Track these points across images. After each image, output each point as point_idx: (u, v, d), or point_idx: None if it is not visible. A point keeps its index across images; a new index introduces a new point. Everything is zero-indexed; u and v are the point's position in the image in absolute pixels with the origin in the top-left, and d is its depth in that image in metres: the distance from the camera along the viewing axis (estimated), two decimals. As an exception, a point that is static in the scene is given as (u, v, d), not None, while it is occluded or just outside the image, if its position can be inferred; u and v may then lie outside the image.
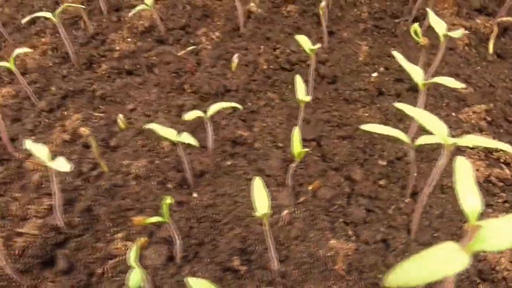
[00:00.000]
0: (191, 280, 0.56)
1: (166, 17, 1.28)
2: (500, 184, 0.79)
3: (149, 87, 1.09)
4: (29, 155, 0.97)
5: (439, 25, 0.80)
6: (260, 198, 0.64)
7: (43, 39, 1.27)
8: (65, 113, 1.06)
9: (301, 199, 0.83)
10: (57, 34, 1.27)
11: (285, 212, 0.80)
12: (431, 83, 0.70)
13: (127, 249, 0.79)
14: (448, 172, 0.80)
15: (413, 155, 0.73)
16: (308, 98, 0.81)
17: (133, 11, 1.12)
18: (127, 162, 0.93)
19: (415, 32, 0.86)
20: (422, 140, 0.67)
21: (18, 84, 1.12)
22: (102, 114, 1.06)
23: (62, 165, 0.69)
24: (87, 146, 0.99)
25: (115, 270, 0.77)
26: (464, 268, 0.36)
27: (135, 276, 0.53)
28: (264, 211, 0.63)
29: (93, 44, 1.22)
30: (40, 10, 1.35)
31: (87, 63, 1.18)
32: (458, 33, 0.78)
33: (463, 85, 0.67)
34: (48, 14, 1.07)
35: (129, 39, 1.21)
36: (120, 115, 1.01)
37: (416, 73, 0.71)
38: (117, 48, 1.18)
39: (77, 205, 0.88)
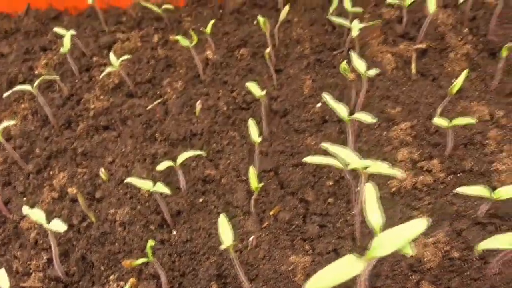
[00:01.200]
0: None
1: (134, 72, 1.42)
2: (425, 189, 0.94)
3: (124, 139, 1.23)
4: (23, 216, 1.10)
5: (360, 65, 0.97)
6: (225, 232, 0.79)
7: (22, 105, 1.40)
8: (51, 172, 1.19)
9: (265, 224, 0.97)
10: (36, 99, 1.40)
11: (252, 237, 0.94)
12: (353, 118, 0.85)
13: None
14: (382, 184, 0.96)
15: (349, 176, 0.88)
16: (259, 139, 0.96)
17: (103, 73, 1.27)
18: (113, 211, 1.06)
19: (344, 69, 1.02)
20: (352, 166, 0.83)
21: (4, 150, 1.24)
22: (85, 170, 1.19)
23: (58, 226, 0.83)
24: (75, 200, 1.12)
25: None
26: (359, 272, 0.51)
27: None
28: (229, 243, 0.77)
29: (69, 105, 1.35)
30: (16, 77, 1.48)
31: (65, 123, 1.31)
32: (373, 71, 0.94)
33: (374, 120, 0.83)
34: (28, 87, 1.21)
35: (101, 97, 1.35)
36: (102, 169, 1.14)
37: (341, 110, 0.87)
38: (92, 106, 1.32)
39: (72, 256, 1.00)
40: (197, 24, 1.55)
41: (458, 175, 0.95)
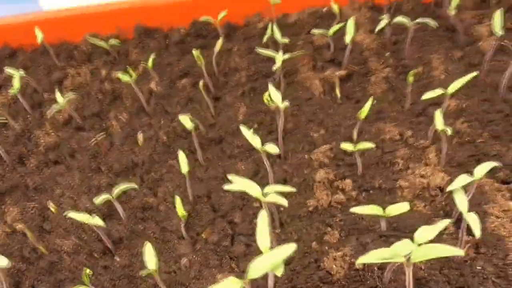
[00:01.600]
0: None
1: (82, 106, 1.50)
2: (339, 206, 1.04)
3: (73, 172, 1.30)
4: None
5: (276, 98, 1.06)
6: (149, 258, 0.87)
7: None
8: (5, 209, 1.26)
9: (197, 246, 1.06)
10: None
11: (185, 260, 1.03)
12: (265, 149, 0.95)
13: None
14: (301, 205, 1.05)
15: (264, 206, 0.97)
16: (187, 170, 1.05)
17: (50, 111, 1.35)
18: (60, 242, 1.14)
19: (266, 100, 1.12)
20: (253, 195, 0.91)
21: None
22: (35, 204, 1.26)
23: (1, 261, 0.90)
24: (26, 234, 1.19)
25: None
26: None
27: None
28: (152, 267, 0.85)
29: (21, 142, 1.42)
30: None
31: (18, 160, 1.38)
32: (285, 104, 1.04)
33: (277, 151, 0.92)
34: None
35: (52, 132, 1.43)
36: (50, 202, 1.22)
37: (255, 142, 0.97)
38: (42, 142, 1.40)
39: (22, 286, 1.08)
40: (144, 55, 1.64)
41: (369, 192, 1.05)
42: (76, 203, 1.22)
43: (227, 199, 1.12)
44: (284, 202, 0.78)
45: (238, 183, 0.84)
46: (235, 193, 1.13)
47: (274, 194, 0.80)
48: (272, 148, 0.93)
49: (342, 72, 1.31)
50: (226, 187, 0.91)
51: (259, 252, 1.02)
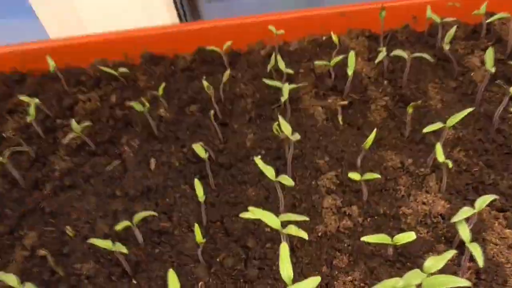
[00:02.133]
0: None
1: (94, 131, 1.56)
2: (346, 232, 1.11)
3: (88, 197, 1.36)
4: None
5: (286, 128, 1.14)
6: (173, 285, 0.93)
7: (-9, 169, 1.51)
8: (22, 233, 1.31)
9: (213, 270, 1.12)
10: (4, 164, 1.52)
11: (201, 283, 1.09)
12: (278, 179, 1.02)
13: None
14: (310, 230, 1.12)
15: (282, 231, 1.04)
16: (203, 198, 1.12)
17: (66, 139, 1.40)
18: (79, 265, 1.19)
19: (276, 130, 1.19)
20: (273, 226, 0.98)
21: (-24, 212, 1.36)
22: (53, 228, 1.31)
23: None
24: (44, 257, 1.24)
25: None
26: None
27: None
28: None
29: (36, 167, 1.48)
30: (-15, 140, 1.60)
31: (33, 185, 1.44)
32: (296, 136, 1.11)
33: (292, 184, 0.99)
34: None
35: (66, 158, 1.48)
36: (68, 227, 1.27)
37: (269, 172, 1.04)
38: (57, 167, 1.45)
39: (43, 311, 1.13)
40: (151, 82, 1.70)
41: (375, 218, 1.13)
42: (93, 228, 1.28)
43: (239, 225, 1.19)
44: (304, 235, 0.85)
45: (257, 213, 0.91)
46: (248, 219, 1.20)
47: (293, 227, 0.87)
48: (287, 180, 1.00)
49: (344, 102, 1.39)
50: (244, 215, 0.98)
51: (272, 276, 1.09)
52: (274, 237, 1.15)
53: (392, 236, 0.95)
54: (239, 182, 1.30)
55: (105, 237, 1.23)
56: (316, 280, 0.69)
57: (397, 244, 0.94)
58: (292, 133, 1.12)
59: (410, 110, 1.22)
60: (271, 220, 0.88)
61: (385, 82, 1.49)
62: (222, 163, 1.36)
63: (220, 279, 1.09)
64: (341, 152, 1.31)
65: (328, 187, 1.20)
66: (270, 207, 1.19)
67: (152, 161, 1.38)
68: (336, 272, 1.03)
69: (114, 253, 1.20)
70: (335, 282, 1.00)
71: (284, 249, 0.80)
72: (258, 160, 1.06)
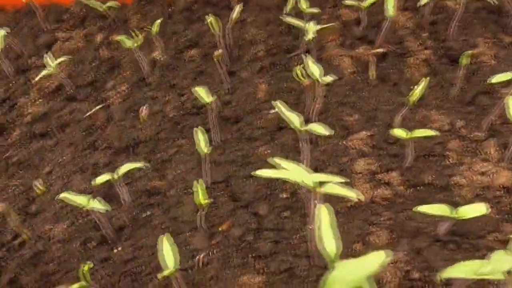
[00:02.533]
0: None
1: (75, 74, 1.31)
2: (384, 203, 0.89)
3: (63, 148, 1.12)
4: None
5: (315, 71, 0.91)
6: (169, 254, 0.71)
7: (-51, 110, 1.26)
8: (-20, 185, 1.08)
9: (215, 241, 0.90)
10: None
11: (201, 255, 0.86)
12: (307, 129, 0.79)
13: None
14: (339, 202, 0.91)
15: (304, 191, 0.82)
16: (207, 150, 0.89)
17: (39, 76, 1.15)
18: (48, 227, 0.97)
19: (297, 75, 0.96)
20: (305, 184, 0.76)
21: None
22: (19, 181, 1.08)
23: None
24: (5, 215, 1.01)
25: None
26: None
27: None
28: (172, 266, 0.69)
29: (2, 111, 1.23)
30: None
31: (-3, 130, 1.19)
32: (328, 78, 0.89)
33: (332, 132, 0.77)
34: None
35: (39, 101, 1.24)
36: (35, 182, 1.03)
37: (295, 120, 0.81)
38: (28, 111, 1.21)
39: (1, 278, 0.90)
40: (145, 22, 1.45)
41: (418, 188, 0.91)
42: (68, 184, 1.04)
43: (249, 188, 0.96)
44: (352, 194, 0.63)
45: (284, 164, 0.67)
46: (259, 181, 0.97)
47: (333, 185, 0.65)
48: (320, 128, 0.77)
49: (379, 50, 1.16)
50: (262, 173, 0.75)
51: (290, 252, 0.87)
52: (292, 205, 0.93)
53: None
54: (249, 138, 1.07)
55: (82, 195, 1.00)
56: (382, 255, 0.47)
57: (460, 219, 0.73)
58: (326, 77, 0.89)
59: (464, 60, 1.00)
60: (302, 175, 0.65)
61: (425, 34, 1.26)
62: (228, 116, 1.13)
63: (223, 252, 0.87)
64: (373, 110, 1.09)
65: (360, 149, 0.98)
66: (287, 169, 0.97)
67: (143, 110, 1.14)
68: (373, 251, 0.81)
69: (93, 215, 0.97)
70: (372, 263, 0.79)
71: (324, 213, 0.58)
72: (278, 104, 0.83)
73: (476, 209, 0.71)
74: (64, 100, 1.25)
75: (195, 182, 0.83)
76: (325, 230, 0.56)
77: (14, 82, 1.31)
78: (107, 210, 0.88)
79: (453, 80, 1.11)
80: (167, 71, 1.28)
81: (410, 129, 0.93)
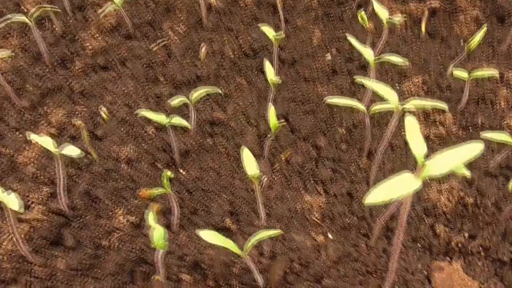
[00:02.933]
0: (202, 233, 0.67)
1: (131, 14, 1.35)
2: (437, 140, 0.96)
3: (125, 80, 1.18)
4: (19, 149, 1.05)
5: (382, 12, 0.96)
6: (250, 163, 0.77)
7: (11, 42, 1.31)
8: (47, 110, 1.13)
9: (277, 167, 0.96)
10: (24, 35, 1.31)
11: (265, 178, 0.93)
12: (380, 60, 0.85)
13: (129, 222, 0.90)
14: (396, 134, 0.97)
15: (368, 121, 0.88)
16: (277, 79, 0.94)
17: (104, 10, 1.20)
18: (116, 149, 1.03)
19: (362, 18, 1.01)
20: (376, 107, 0.83)
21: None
22: (83, 108, 1.14)
23: (71, 150, 0.79)
24: (74, 138, 1.07)
25: (119, 241, 0.88)
26: (416, 188, 0.51)
27: (158, 232, 0.64)
28: (254, 172, 0.75)
29: (63, 43, 1.28)
30: (2, 12, 1.38)
31: (60, 61, 1.24)
32: (398, 19, 0.94)
33: (405, 61, 0.82)
34: (23, 18, 1.13)
35: (98, 37, 1.28)
36: (102, 107, 1.09)
37: (368, 53, 0.86)
38: (88, 45, 1.26)
39: (75, 191, 0.96)
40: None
41: (470, 129, 0.97)
42: (132, 111, 1.10)
43: (308, 122, 1.03)
44: (441, 105, 0.68)
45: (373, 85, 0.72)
46: (318, 116, 1.04)
47: (418, 99, 0.70)
48: (395, 58, 0.82)
49: (434, 4, 1.21)
50: (331, 99, 0.81)
51: (348, 178, 0.94)
52: (349, 139, 1.00)
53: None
54: (306, 79, 1.13)
55: (146, 122, 1.06)
56: (476, 146, 0.52)
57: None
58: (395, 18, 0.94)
59: (518, 16, 1.05)
60: (389, 94, 0.71)
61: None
62: (285, 58, 1.18)
63: (286, 176, 0.94)
64: (424, 62, 1.14)
65: (414, 93, 1.04)
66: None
67: (203, 49, 1.19)
68: (428, 180, 0.88)
69: (159, 139, 1.03)
70: (427, 190, 0.86)
71: (412, 122, 0.64)
72: (350, 38, 0.88)
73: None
74: (123, 37, 1.30)
75: (270, 106, 0.89)
76: (415, 136, 0.62)
77: (72, 18, 1.35)
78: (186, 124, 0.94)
79: (501, 37, 1.17)
80: (223, 15, 1.32)
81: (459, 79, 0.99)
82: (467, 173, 0.55)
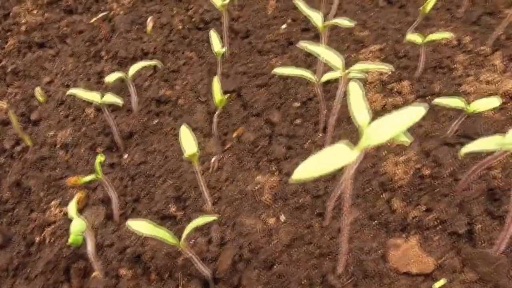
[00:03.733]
0: (132, 223, 0.61)
1: (71, -14, 1.25)
2: (394, 110, 0.91)
3: (64, 58, 1.09)
4: None
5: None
6: (188, 142, 0.71)
7: None
8: (-23, 92, 1.04)
9: (228, 146, 0.90)
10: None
11: (214, 158, 0.86)
12: (329, 24, 0.79)
13: (64, 214, 0.82)
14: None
15: (321, 93, 0.82)
16: (223, 50, 0.87)
17: (36, -19, 1.10)
18: (52, 133, 0.94)
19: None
20: (326, 77, 0.77)
21: None
22: (17, 90, 1.04)
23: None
24: (5, 123, 0.98)
25: (53, 235, 0.80)
26: (352, 161, 0.45)
27: (76, 224, 0.57)
28: (192, 151, 0.69)
29: (-4, 19, 1.17)
30: None
31: (-8, 39, 1.14)
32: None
33: (353, 23, 0.76)
34: None
35: (35, 11, 1.18)
36: (38, 88, 1.00)
37: (316, 17, 0.80)
38: (23, 21, 1.15)
39: (4, 181, 0.88)
40: None
41: (427, 97, 0.93)
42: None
43: (261, 97, 0.96)
44: (383, 67, 0.63)
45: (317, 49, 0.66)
46: (271, 90, 0.97)
47: (363, 63, 0.65)
48: (342, 21, 0.76)
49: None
50: (279, 70, 0.75)
51: (304, 156, 0.88)
52: (304, 113, 0.94)
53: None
54: (260, 51, 1.06)
55: (87, 103, 0.98)
56: (418, 109, 0.47)
57: (473, 112, 0.75)
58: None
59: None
60: (333, 58, 0.65)
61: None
62: (238, 30, 1.11)
63: (237, 156, 0.88)
64: (382, 29, 1.09)
65: (372, 60, 0.99)
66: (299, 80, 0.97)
67: (149, 21, 1.11)
68: (385, 152, 0.83)
69: (100, 121, 0.95)
70: (383, 163, 0.81)
71: (355, 87, 0.58)
72: (299, 2, 0.81)
73: (489, 102, 0.73)
74: (62, 11, 1.20)
75: (215, 79, 0.82)
76: (358, 102, 0.57)
77: (6, -8, 1.24)
78: (117, 115, 0.86)
79: (458, 2, 1.12)
80: (170, -14, 1.24)
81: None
82: (407, 140, 0.50)
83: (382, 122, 0.48)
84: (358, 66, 0.64)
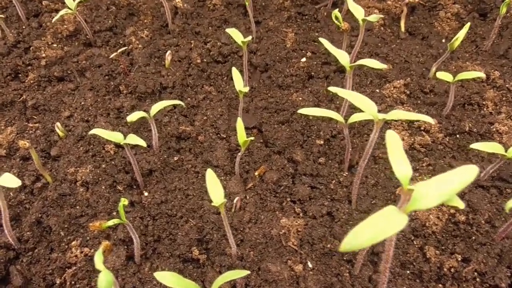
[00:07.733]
0: (158, 276, 0.58)
1: (91, 19, 1.25)
2: (423, 149, 0.88)
3: (83, 92, 1.08)
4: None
5: (357, 11, 0.88)
6: (215, 189, 0.68)
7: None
8: (-3, 127, 1.03)
9: (250, 185, 0.88)
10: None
11: (236, 199, 0.84)
12: (357, 65, 0.77)
13: (85, 255, 0.80)
14: (378, 144, 0.89)
15: (347, 132, 0.80)
16: (246, 89, 0.85)
17: (56, 16, 1.09)
18: (72, 170, 0.93)
19: (336, 18, 0.93)
20: (354, 118, 0.74)
21: None
22: (37, 125, 1.03)
23: (10, 181, 0.68)
24: (26, 159, 0.97)
25: (74, 277, 0.78)
26: (403, 226, 0.42)
27: (104, 277, 0.55)
28: (220, 201, 0.67)
29: (16, 53, 1.17)
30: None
31: (12, 73, 1.14)
32: (374, 17, 0.86)
33: (385, 66, 0.74)
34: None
35: (54, 45, 1.18)
36: (58, 123, 0.99)
37: (343, 57, 0.78)
38: (43, 55, 1.15)
39: (24, 220, 0.86)
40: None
41: (457, 136, 0.90)
42: (91, 127, 1.00)
43: (283, 134, 0.94)
44: (426, 118, 0.60)
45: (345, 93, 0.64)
46: (293, 126, 0.95)
47: (399, 111, 0.62)
48: (372, 62, 0.74)
49: (412, 0, 1.13)
50: (305, 110, 0.73)
51: (328, 196, 0.85)
52: (328, 151, 0.91)
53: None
54: (280, 86, 1.05)
55: (106, 139, 0.96)
56: (471, 169, 0.44)
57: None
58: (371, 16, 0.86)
59: (503, 9, 0.98)
60: (367, 104, 0.62)
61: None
62: (257, 64, 1.09)
63: (260, 196, 0.85)
64: (405, 62, 1.06)
65: (397, 97, 0.96)
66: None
67: (168, 55, 1.10)
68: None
69: (120, 158, 0.94)
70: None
71: (395, 138, 0.55)
72: (324, 40, 0.80)
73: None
74: (81, 45, 1.20)
75: (238, 120, 0.80)
76: (398, 153, 0.54)
77: (26, 25, 1.24)
78: (137, 152, 0.84)
79: (484, 33, 1.10)
80: (189, 18, 1.23)
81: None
82: (461, 204, 0.48)
83: (431, 185, 0.45)
84: (395, 114, 0.61)
